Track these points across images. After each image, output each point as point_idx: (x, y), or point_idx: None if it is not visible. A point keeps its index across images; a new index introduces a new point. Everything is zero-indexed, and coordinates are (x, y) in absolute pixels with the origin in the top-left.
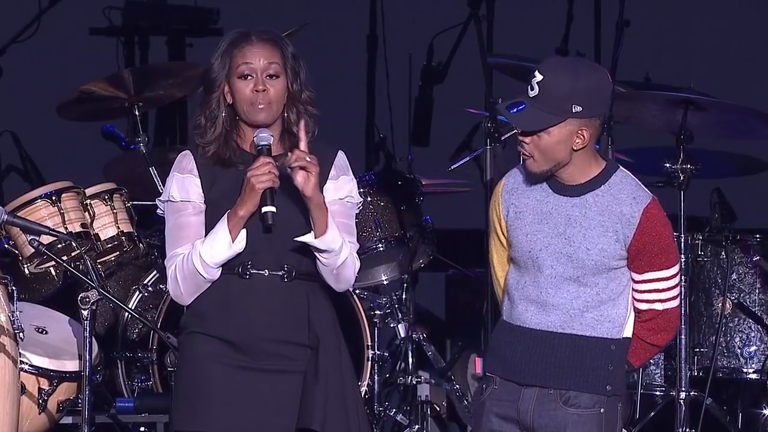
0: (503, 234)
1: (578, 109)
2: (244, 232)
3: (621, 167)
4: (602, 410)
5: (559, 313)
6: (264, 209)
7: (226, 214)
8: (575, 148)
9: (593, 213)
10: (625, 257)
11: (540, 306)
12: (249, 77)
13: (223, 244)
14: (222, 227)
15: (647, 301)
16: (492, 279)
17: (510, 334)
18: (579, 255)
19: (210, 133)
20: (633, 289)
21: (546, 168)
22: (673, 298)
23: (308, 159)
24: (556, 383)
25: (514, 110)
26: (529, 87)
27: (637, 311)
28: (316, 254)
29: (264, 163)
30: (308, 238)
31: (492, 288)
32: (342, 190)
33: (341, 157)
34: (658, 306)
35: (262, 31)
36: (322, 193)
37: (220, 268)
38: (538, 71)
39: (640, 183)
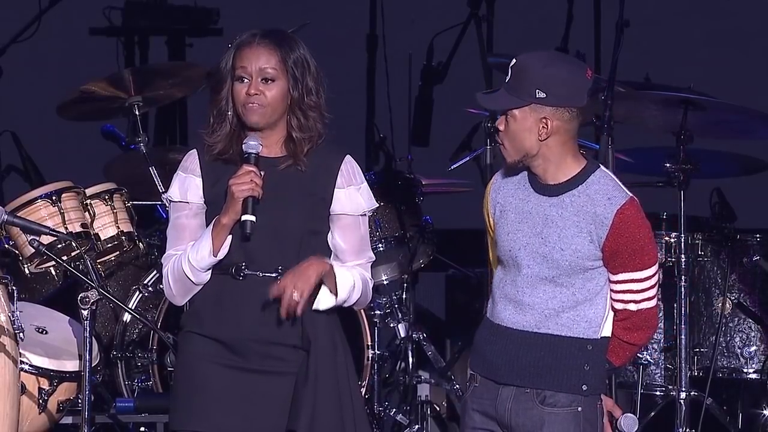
0: (493, 232)
1: (542, 95)
2: (229, 239)
3: (601, 167)
4: (580, 408)
5: (535, 312)
6: (243, 218)
7: (213, 220)
8: (540, 138)
9: (569, 213)
10: (601, 257)
11: (517, 305)
12: (245, 80)
13: (206, 250)
14: (207, 233)
15: (622, 301)
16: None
17: (490, 332)
18: (554, 255)
19: (218, 132)
20: (610, 289)
21: (516, 158)
22: (648, 299)
23: (296, 299)
24: (532, 383)
25: (484, 94)
26: (506, 75)
27: (613, 310)
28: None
29: (246, 171)
30: (324, 301)
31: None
32: (353, 203)
33: (348, 163)
34: (632, 306)
35: (267, 33)
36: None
37: (209, 272)
38: (515, 57)
39: (619, 183)
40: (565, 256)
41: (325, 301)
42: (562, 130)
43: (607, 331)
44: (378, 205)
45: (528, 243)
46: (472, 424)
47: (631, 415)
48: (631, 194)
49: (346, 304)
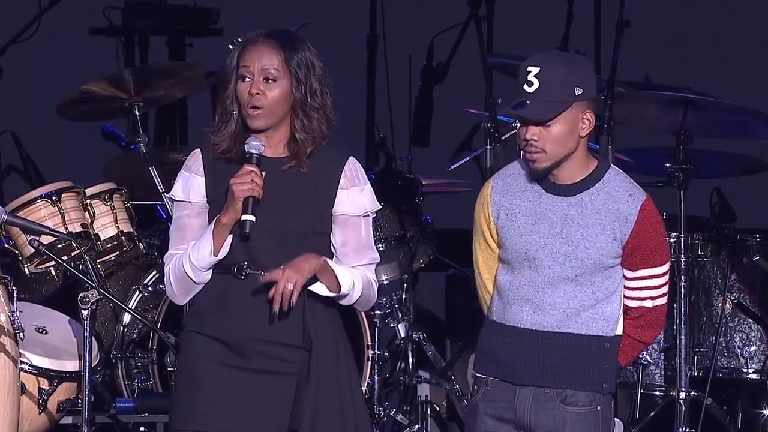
0: (491, 236)
1: (580, 91)
2: (229, 238)
3: (612, 165)
4: (599, 408)
5: (556, 312)
6: (242, 217)
7: (214, 220)
8: (582, 134)
9: (590, 212)
10: (621, 255)
11: (536, 306)
12: (247, 79)
13: (207, 250)
14: (208, 233)
15: (638, 299)
16: (476, 281)
17: (503, 334)
18: (578, 254)
19: (223, 131)
20: (625, 287)
21: (556, 160)
22: (663, 296)
23: (290, 287)
24: (552, 383)
25: (521, 109)
26: (525, 84)
27: (625, 308)
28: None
29: (247, 171)
30: (320, 289)
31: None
32: (356, 204)
33: (351, 165)
34: (648, 303)
35: (273, 33)
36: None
37: (210, 272)
38: (531, 65)
39: (633, 181)
40: (590, 255)
41: (324, 292)
42: (592, 124)
43: (620, 329)
44: (380, 206)
45: (546, 243)
46: (485, 428)
47: (617, 420)
48: (645, 191)
49: (345, 302)
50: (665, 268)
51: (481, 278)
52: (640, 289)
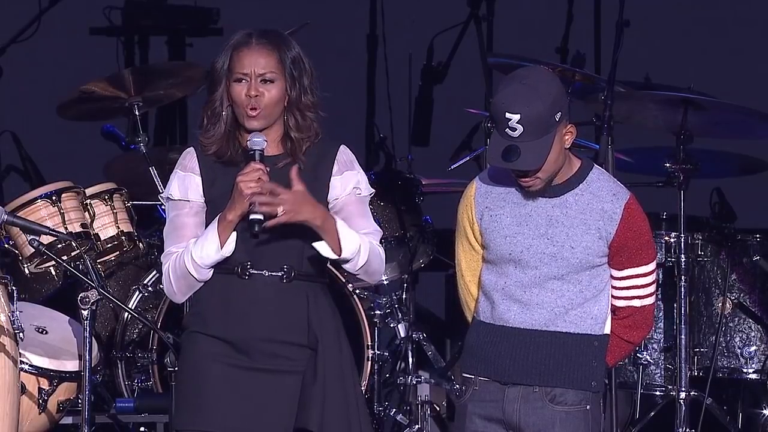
0: (474, 238)
1: (559, 114)
2: (234, 235)
3: (595, 165)
4: (588, 407)
5: (544, 311)
6: (251, 216)
7: (217, 217)
8: (567, 147)
9: (574, 212)
10: (607, 254)
11: (523, 305)
12: (244, 81)
13: (212, 247)
14: (212, 230)
15: (626, 298)
16: (458, 283)
17: (491, 334)
18: (563, 254)
19: (212, 132)
20: (612, 287)
21: (549, 180)
22: (650, 295)
23: (279, 212)
24: (541, 381)
25: (512, 159)
26: (507, 130)
27: (613, 308)
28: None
29: (254, 168)
30: (323, 248)
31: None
32: (348, 184)
33: (343, 152)
34: (636, 303)
35: (264, 33)
36: (323, 203)
37: (212, 270)
38: (510, 112)
39: (616, 180)
40: (575, 254)
41: (325, 252)
42: (574, 133)
43: (608, 328)
44: (374, 191)
45: (531, 244)
46: (474, 428)
47: None
48: (629, 191)
49: (349, 268)
50: (652, 266)
51: (463, 280)
52: (628, 288)
